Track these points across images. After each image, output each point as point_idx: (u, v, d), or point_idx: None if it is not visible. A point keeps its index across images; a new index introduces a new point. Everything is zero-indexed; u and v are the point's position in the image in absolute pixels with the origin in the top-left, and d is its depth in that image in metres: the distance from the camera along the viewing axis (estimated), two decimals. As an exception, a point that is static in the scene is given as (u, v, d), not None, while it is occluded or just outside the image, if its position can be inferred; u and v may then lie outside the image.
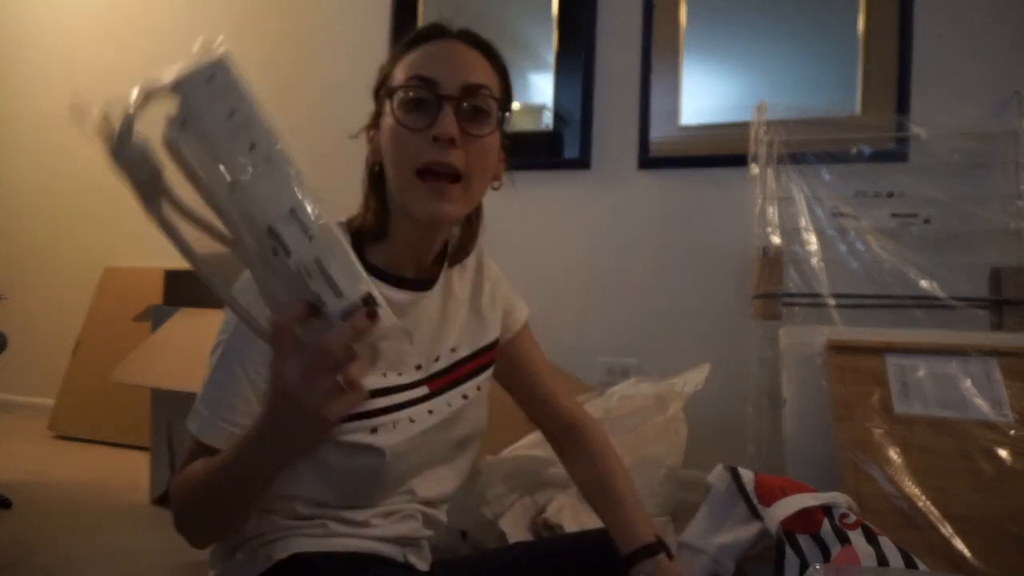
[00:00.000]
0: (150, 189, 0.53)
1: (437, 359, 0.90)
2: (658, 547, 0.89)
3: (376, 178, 0.85)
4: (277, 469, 0.68)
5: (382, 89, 0.84)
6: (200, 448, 0.76)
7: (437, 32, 0.83)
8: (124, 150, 0.51)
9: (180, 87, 0.52)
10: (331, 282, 0.54)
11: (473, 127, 0.79)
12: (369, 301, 0.55)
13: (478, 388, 0.95)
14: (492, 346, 0.98)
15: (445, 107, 0.78)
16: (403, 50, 0.84)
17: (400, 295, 0.85)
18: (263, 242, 0.53)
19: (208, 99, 0.52)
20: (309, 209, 0.54)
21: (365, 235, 0.84)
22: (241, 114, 0.54)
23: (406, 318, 0.86)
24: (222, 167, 0.52)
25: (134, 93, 0.52)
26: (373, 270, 0.83)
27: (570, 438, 1.03)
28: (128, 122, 0.51)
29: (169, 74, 0.52)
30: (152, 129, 0.53)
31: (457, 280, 0.94)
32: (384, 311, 0.55)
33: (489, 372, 0.98)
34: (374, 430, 0.82)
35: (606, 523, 0.95)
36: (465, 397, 0.93)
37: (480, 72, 0.82)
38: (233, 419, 0.75)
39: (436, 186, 0.78)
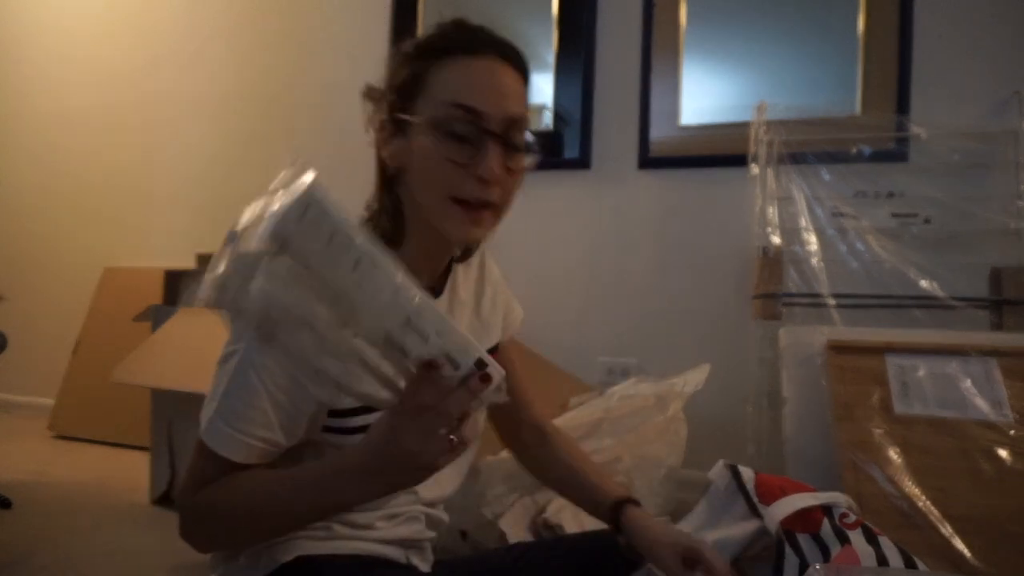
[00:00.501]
0: (268, 330, 0.56)
1: None
2: (635, 500, 0.94)
3: (391, 181, 0.83)
4: (364, 503, 0.73)
5: (409, 91, 0.79)
6: (217, 460, 0.74)
7: (480, 44, 0.79)
8: (238, 305, 0.55)
9: (278, 234, 0.54)
10: (450, 359, 0.58)
11: (513, 162, 0.78)
12: (480, 365, 0.59)
13: None
14: (493, 351, 0.98)
15: (491, 146, 0.76)
16: (439, 55, 0.78)
17: None
18: (382, 346, 0.58)
19: (306, 233, 0.55)
20: (420, 311, 0.57)
21: (385, 242, 0.81)
22: (339, 237, 0.56)
23: None
24: (332, 293, 0.56)
25: (237, 250, 0.55)
26: None
27: (541, 437, 1.05)
28: (238, 281, 0.55)
29: (264, 216, 0.55)
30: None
31: (462, 281, 0.93)
32: (493, 368, 0.59)
33: None
34: None
35: (582, 498, 0.99)
36: None
37: (520, 98, 0.79)
38: (251, 431, 0.74)
39: (472, 214, 0.78)
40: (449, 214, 0.78)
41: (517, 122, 0.78)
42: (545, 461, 1.05)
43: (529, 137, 0.80)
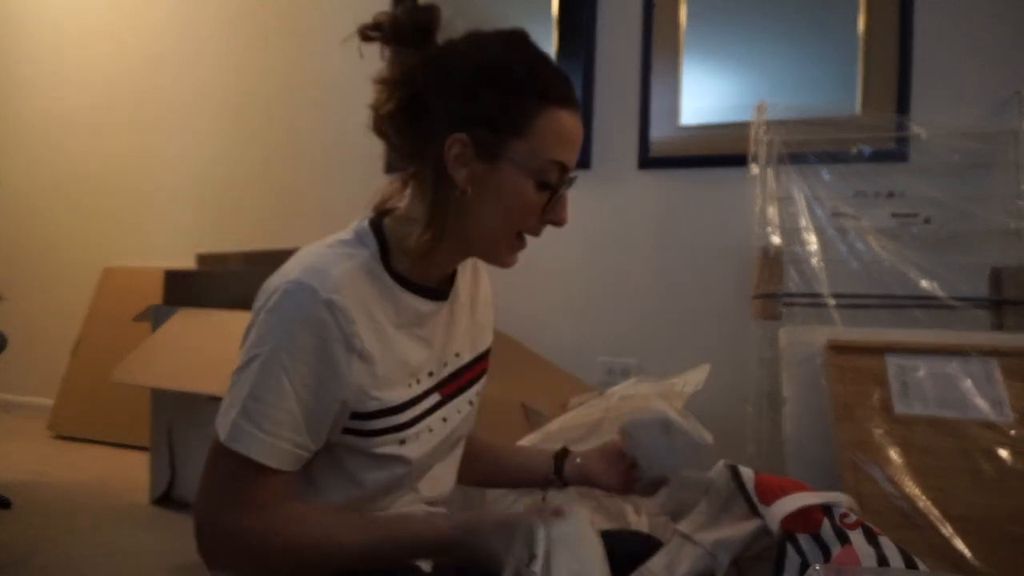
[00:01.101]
0: None
1: (446, 364, 0.90)
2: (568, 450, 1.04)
3: (447, 193, 0.79)
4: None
5: (508, 127, 0.78)
6: (246, 468, 0.73)
7: (572, 95, 0.82)
8: None
9: None
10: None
11: None
12: None
13: (477, 394, 0.96)
14: (487, 354, 0.99)
15: (566, 197, 0.83)
16: (542, 101, 0.78)
17: (424, 305, 0.84)
18: None
19: None
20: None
21: (405, 248, 0.81)
22: None
23: (426, 327, 0.86)
24: None
25: None
26: (398, 278, 0.82)
27: (468, 443, 1.04)
28: None
29: None
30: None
31: (461, 283, 0.94)
32: None
33: (484, 380, 0.99)
34: (402, 442, 0.82)
35: (519, 470, 1.06)
36: (471, 403, 0.94)
37: None
38: (281, 433, 0.73)
39: (522, 246, 0.85)
40: (508, 245, 0.83)
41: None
42: (472, 457, 1.05)
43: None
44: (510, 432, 1.59)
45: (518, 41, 0.82)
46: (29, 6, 3.41)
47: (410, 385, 0.83)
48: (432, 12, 0.82)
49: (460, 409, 0.91)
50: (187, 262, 2.65)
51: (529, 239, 0.86)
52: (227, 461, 0.73)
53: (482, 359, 0.97)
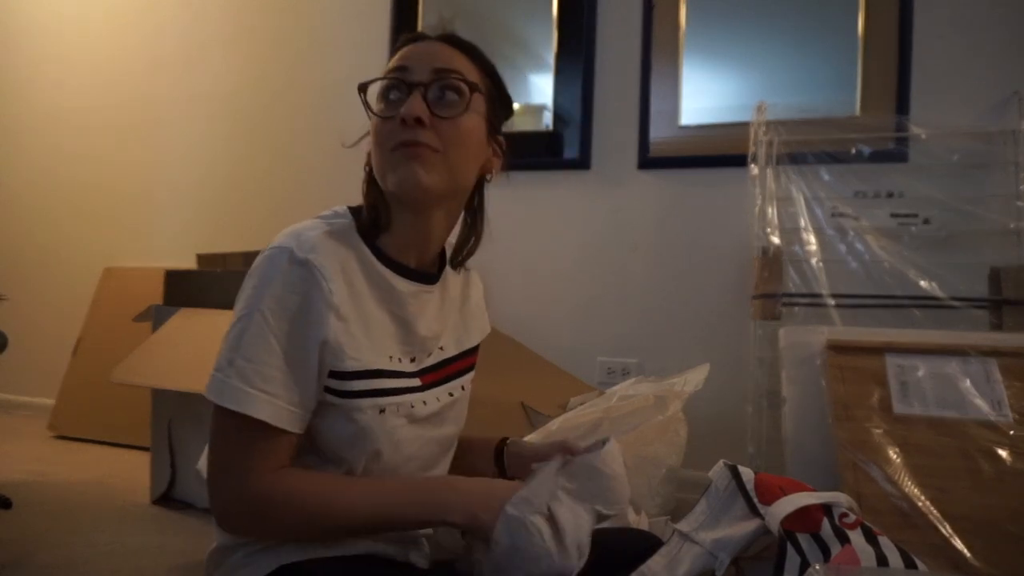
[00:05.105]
0: None
1: (429, 355, 0.92)
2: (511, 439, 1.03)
3: (372, 177, 0.88)
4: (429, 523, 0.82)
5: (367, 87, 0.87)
6: (253, 426, 0.75)
7: (418, 36, 0.87)
8: None
9: None
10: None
11: (443, 109, 0.82)
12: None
13: (462, 388, 0.98)
14: (474, 350, 1.01)
15: (414, 92, 0.82)
16: (390, 58, 0.87)
17: (405, 284, 0.86)
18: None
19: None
20: None
21: (369, 226, 0.86)
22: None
23: (408, 308, 0.87)
24: None
25: None
26: (381, 257, 0.85)
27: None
28: None
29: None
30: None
31: (451, 281, 0.96)
32: None
33: (471, 375, 1.01)
34: (382, 411, 0.83)
35: (469, 457, 1.02)
36: (451, 395, 0.95)
37: (451, 58, 0.85)
38: (276, 391, 0.76)
39: (410, 151, 0.80)
40: (391, 162, 0.82)
41: (445, 72, 0.83)
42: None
43: (464, 88, 0.83)
44: (510, 432, 1.58)
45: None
46: (29, 7, 3.41)
47: (390, 358, 0.85)
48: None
49: (440, 397, 0.92)
50: (187, 262, 2.65)
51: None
52: (229, 424, 0.76)
53: (468, 355, 0.99)
